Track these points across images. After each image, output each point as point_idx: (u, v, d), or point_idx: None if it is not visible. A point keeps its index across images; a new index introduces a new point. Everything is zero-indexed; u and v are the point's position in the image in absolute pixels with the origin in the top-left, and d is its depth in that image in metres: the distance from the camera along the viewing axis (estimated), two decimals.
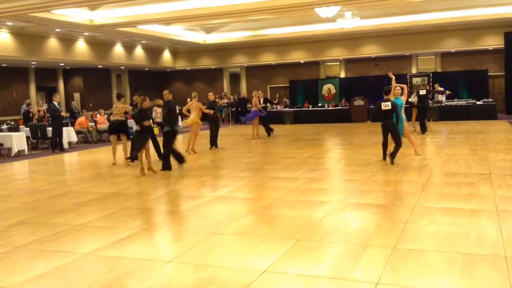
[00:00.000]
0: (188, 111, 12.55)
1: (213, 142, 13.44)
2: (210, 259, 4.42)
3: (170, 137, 9.73)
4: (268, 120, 17.00)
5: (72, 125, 17.38)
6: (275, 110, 23.57)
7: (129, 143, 10.93)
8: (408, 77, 22.81)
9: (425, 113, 15.07)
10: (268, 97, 27.48)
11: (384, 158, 9.70)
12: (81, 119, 17.41)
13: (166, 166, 9.67)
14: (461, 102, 20.24)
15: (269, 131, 16.53)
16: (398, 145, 9.32)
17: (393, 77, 10.48)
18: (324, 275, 3.93)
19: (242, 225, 5.55)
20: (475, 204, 5.95)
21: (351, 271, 3.98)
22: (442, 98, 19.47)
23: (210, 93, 13.88)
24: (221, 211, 6.34)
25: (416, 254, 4.30)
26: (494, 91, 23.19)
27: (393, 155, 9.33)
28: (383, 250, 4.41)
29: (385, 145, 9.74)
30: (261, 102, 16.23)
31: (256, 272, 4.02)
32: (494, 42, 22.27)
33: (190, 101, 12.89)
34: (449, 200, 6.30)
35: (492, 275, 3.81)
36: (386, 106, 9.29)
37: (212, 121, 13.39)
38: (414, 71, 24.42)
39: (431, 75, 22.66)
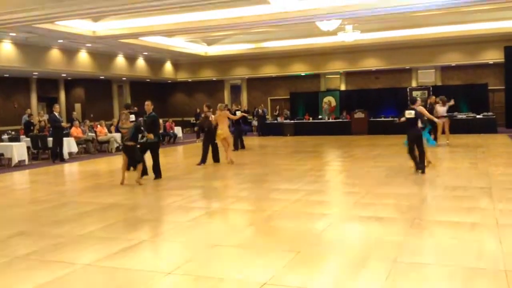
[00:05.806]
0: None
1: (213, 157, 12.57)
2: (211, 271, 4.41)
3: (156, 147, 10.24)
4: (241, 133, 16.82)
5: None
6: (275, 122, 23.67)
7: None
8: (408, 90, 22.89)
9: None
10: (268, 109, 27.51)
11: (420, 168, 9.49)
12: (73, 130, 16.91)
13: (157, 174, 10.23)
14: (461, 116, 20.27)
15: (242, 143, 16.36)
16: (421, 153, 9.52)
17: None
18: (325, 287, 3.92)
19: (242, 237, 5.55)
20: (475, 218, 5.95)
21: (351, 284, 3.97)
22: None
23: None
24: (222, 223, 6.34)
25: (417, 268, 4.30)
26: (494, 105, 23.25)
27: (420, 164, 9.44)
28: (383, 263, 4.41)
29: (412, 154, 9.61)
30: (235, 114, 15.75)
31: (257, 284, 4.01)
32: (494, 56, 22.44)
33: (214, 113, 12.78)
34: (449, 213, 6.30)
35: None
36: (409, 114, 9.49)
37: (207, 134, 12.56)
38: (414, 84, 24.53)
39: (431, 88, 22.73)
